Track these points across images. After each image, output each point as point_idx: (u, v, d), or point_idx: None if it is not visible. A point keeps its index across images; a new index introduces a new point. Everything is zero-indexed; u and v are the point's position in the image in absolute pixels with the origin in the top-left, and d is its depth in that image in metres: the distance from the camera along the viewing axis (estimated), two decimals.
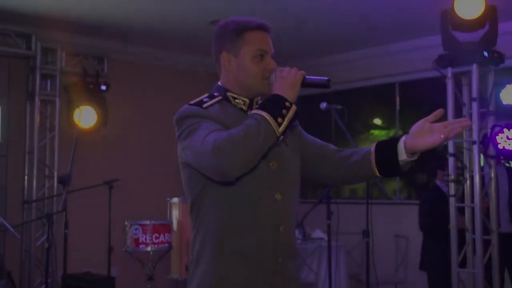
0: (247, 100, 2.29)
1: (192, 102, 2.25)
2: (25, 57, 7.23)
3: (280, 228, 2.23)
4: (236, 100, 2.28)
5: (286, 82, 2.12)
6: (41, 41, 7.22)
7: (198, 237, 2.23)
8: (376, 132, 8.93)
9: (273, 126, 2.02)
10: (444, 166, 6.20)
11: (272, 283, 2.21)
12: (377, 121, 8.96)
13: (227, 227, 2.18)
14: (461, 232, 5.86)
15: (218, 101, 2.25)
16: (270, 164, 2.23)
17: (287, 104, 2.07)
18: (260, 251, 2.19)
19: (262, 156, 2.11)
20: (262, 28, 2.28)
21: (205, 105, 2.20)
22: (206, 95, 2.29)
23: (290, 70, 2.15)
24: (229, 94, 2.29)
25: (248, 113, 2.18)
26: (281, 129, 2.04)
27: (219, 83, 2.35)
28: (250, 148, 1.98)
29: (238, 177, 2.06)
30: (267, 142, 2.02)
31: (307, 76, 2.17)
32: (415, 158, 2.22)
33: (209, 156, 1.98)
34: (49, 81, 7.45)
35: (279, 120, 2.03)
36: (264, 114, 2.03)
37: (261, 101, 2.23)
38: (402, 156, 2.22)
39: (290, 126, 2.08)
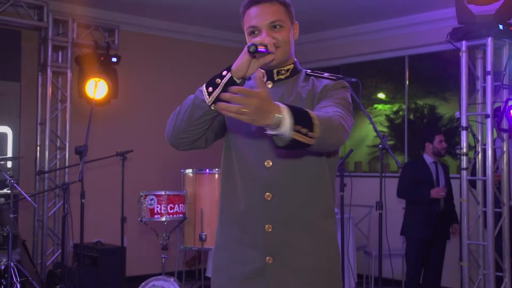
0: (264, 72, 2.32)
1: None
2: (37, 28, 7.18)
3: (266, 195, 2.21)
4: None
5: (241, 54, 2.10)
6: (53, 12, 7.15)
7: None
8: (380, 106, 8.92)
9: (204, 94, 2.08)
10: (433, 139, 6.35)
11: (262, 254, 2.19)
12: (381, 95, 8.93)
13: (224, 196, 2.34)
14: (435, 201, 6.24)
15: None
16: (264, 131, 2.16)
17: (224, 73, 2.07)
18: (247, 219, 2.23)
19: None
20: (252, 2, 2.27)
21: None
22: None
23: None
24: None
25: (267, 84, 2.30)
26: (211, 97, 2.07)
27: None
28: (181, 117, 2.14)
29: (184, 148, 2.22)
30: (195, 111, 2.10)
31: (252, 46, 2.01)
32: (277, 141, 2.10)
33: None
34: (60, 53, 7.43)
35: (209, 90, 2.08)
36: (203, 86, 2.11)
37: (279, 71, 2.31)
38: None
39: (224, 91, 1.99)
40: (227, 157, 2.31)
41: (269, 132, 1.85)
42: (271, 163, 2.22)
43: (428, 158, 6.46)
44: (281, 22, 2.24)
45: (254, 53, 2.02)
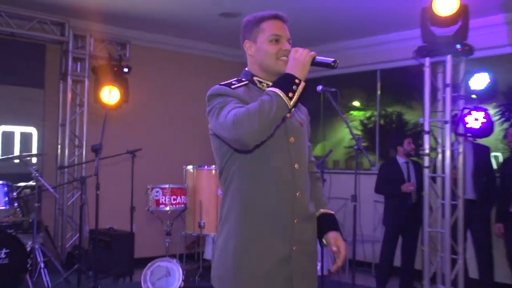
0: (270, 83, 2.24)
1: (222, 83, 2.24)
2: (59, 42, 7.24)
3: (297, 194, 2.24)
4: (262, 84, 2.29)
5: (298, 62, 2.11)
6: (73, 28, 7.23)
7: (227, 200, 2.25)
8: (355, 112, 8.98)
9: (285, 99, 2.04)
10: (403, 142, 6.49)
11: (289, 243, 2.20)
12: (356, 103, 9.00)
13: (252, 193, 2.19)
14: (407, 195, 6.33)
15: (245, 85, 2.27)
16: (290, 139, 2.25)
17: (297, 81, 2.08)
18: (280, 214, 2.19)
19: (283, 132, 2.15)
20: (276, 17, 2.29)
21: (233, 87, 2.22)
22: (235, 79, 2.30)
23: (302, 52, 2.14)
24: (255, 78, 2.30)
25: None
26: (292, 102, 2.05)
27: (246, 69, 2.36)
28: (264, 119, 1.99)
29: (256, 146, 2.08)
30: (279, 113, 2.03)
31: (317, 57, 2.17)
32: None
33: (229, 128, 2.01)
34: (79, 64, 7.47)
35: (290, 94, 2.05)
36: (277, 90, 2.05)
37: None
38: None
39: (300, 99, 2.09)
40: (251, 159, 2.19)
41: None
42: (298, 166, 2.26)
43: (400, 159, 6.54)
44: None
45: (323, 65, 2.15)
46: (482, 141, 6.18)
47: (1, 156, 6.47)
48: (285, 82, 2.08)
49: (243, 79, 2.31)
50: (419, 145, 6.45)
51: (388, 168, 6.66)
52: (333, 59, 2.16)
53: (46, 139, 7.18)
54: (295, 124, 2.30)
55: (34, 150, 6.97)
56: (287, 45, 2.26)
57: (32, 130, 7.05)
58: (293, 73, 2.10)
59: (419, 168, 6.60)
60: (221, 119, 2.07)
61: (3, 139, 6.78)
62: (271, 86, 2.09)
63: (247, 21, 2.33)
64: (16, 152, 6.70)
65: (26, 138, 6.96)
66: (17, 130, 6.94)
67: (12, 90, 6.90)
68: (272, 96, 2.03)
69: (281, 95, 2.03)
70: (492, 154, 6.76)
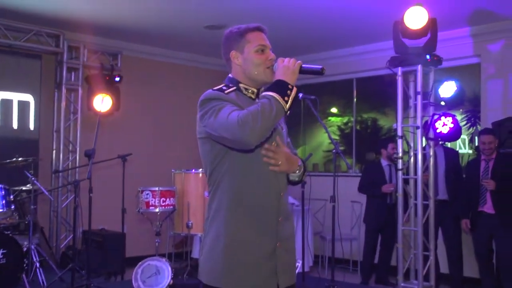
0: (255, 90, 2.29)
1: (214, 88, 2.23)
2: (54, 53, 7.17)
3: (281, 194, 2.26)
4: (247, 90, 2.29)
5: (288, 70, 2.15)
6: (68, 40, 7.16)
7: (216, 198, 2.22)
8: (333, 118, 9.00)
9: (281, 103, 2.07)
10: (387, 147, 6.48)
11: (274, 239, 2.22)
12: (334, 110, 9.03)
13: (241, 191, 2.19)
14: (387, 195, 6.40)
15: (234, 90, 2.26)
16: (273, 143, 2.25)
17: (290, 86, 2.11)
18: (267, 212, 2.21)
19: (267, 138, 2.14)
20: (259, 29, 2.31)
21: (226, 92, 2.21)
22: (223, 84, 2.28)
23: (289, 60, 2.18)
24: (241, 85, 2.29)
25: (256, 100, 2.22)
26: (288, 105, 2.09)
27: (230, 75, 2.34)
28: (266, 120, 2.01)
29: (256, 146, 2.08)
30: (278, 115, 2.06)
31: (303, 65, 2.20)
32: (294, 177, 2.36)
33: (234, 128, 1.99)
34: (73, 73, 7.40)
35: (286, 98, 2.08)
36: (274, 94, 2.08)
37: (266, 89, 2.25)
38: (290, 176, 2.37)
39: (293, 104, 2.11)
40: (241, 159, 2.18)
41: (292, 175, 2.32)
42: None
43: (384, 162, 6.57)
44: None
45: (310, 72, 2.23)
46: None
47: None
48: (280, 87, 2.11)
49: (230, 85, 2.29)
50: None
51: (371, 169, 6.70)
52: (321, 66, 2.21)
53: (42, 145, 7.10)
54: (278, 130, 2.31)
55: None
56: (272, 55, 2.29)
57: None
58: (285, 79, 2.13)
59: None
60: (222, 120, 2.05)
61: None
62: (267, 91, 2.11)
63: (231, 33, 2.32)
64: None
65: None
66: None
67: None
68: (271, 99, 2.06)
69: (278, 99, 2.07)
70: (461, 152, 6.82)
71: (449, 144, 6.69)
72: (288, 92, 2.09)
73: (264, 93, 2.12)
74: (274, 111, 2.04)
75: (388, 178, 6.49)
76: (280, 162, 2.21)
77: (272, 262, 2.20)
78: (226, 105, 2.11)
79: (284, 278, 2.24)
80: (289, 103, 2.09)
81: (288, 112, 2.11)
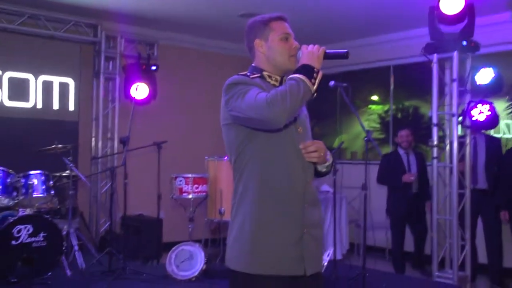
0: (278, 78, 2.32)
1: (239, 74, 2.27)
2: (93, 43, 7.34)
3: (308, 180, 2.27)
4: (271, 78, 2.31)
5: (313, 55, 2.19)
6: (105, 30, 7.31)
7: (241, 185, 2.24)
8: (373, 106, 8.91)
9: (309, 84, 2.12)
10: (397, 136, 6.54)
11: (301, 226, 2.21)
12: (374, 98, 8.92)
13: (267, 176, 2.19)
14: (408, 185, 6.25)
15: (258, 77, 2.30)
16: (298, 129, 2.28)
17: (316, 70, 2.16)
18: (293, 198, 2.21)
19: (293, 122, 2.18)
20: (282, 18, 2.35)
21: (251, 77, 2.26)
22: (247, 72, 2.32)
23: (314, 46, 2.23)
24: (265, 73, 2.32)
25: None
26: (314, 87, 2.14)
27: (253, 64, 2.37)
28: (294, 100, 2.06)
29: (285, 125, 2.11)
30: (305, 96, 2.11)
31: (327, 51, 2.24)
32: (322, 168, 2.37)
33: (263, 108, 2.03)
34: (111, 63, 7.56)
35: (312, 81, 2.13)
36: (301, 76, 2.13)
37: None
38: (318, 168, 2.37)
39: (319, 86, 2.15)
40: (267, 146, 2.20)
41: (320, 166, 2.33)
42: None
43: (401, 150, 6.50)
44: None
45: (335, 57, 2.25)
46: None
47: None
48: (307, 70, 2.15)
49: (254, 72, 2.33)
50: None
51: (389, 159, 6.57)
52: (345, 50, 2.25)
53: (81, 132, 7.29)
54: (302, 117, 2.33)
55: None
56: (296, 43, 2.32)
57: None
58: (310, 63, 2.17)
59: (420, 158, 6.52)
60: (250, 101, 2.08)
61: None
62: (295, 73, 2.15)
63: (255, 21, 2.37)
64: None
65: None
66: None
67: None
68: (298, 81, 2.11)
69: (305, 80, 2.12)
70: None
71: (492, 132, 6.52)
72: (314, 75, 2.15)
73: (291, 76, 2.16)
74: (301, 91, 2.09)
75: (406, 167, 6.39)
76: (317, 154, 2.25)
77: (298, 249, 2.20)
78: (253, 87, 2.15)
79: (310, 265, 2.23)
80: (315, 85, 2.14)
81: (315, 94, 2.15)
